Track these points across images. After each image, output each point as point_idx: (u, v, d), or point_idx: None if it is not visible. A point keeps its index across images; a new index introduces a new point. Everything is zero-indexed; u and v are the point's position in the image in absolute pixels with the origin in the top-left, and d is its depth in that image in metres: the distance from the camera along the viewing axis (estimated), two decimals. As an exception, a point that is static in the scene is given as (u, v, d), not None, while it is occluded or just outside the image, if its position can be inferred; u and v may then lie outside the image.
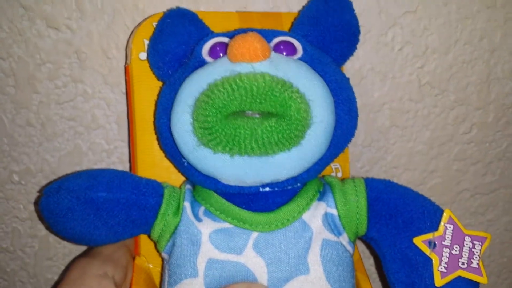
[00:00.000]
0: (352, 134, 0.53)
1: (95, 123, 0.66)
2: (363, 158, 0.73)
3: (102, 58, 0.63)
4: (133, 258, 0.57)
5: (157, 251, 0.55)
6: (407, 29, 0.68)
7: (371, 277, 0.70)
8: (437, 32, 0.68)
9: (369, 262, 0.76)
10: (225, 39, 0.52)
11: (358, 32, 0.56)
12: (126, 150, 0.68)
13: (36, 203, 0.68)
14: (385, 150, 0.73)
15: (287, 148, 0.45)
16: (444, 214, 0.50)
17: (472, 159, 0.76)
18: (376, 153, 0.73)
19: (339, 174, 0.62)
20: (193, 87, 0.47)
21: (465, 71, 0.71)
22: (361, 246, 0.73)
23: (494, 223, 0.81)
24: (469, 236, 0.49)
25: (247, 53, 0.46)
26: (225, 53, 0.51)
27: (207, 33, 0.55)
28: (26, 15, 0.61)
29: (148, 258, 0.58)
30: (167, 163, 0.57)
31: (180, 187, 0.55)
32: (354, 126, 0.52)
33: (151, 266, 0.58)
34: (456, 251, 0.49)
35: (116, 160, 0.68)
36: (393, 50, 0.69)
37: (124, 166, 0.68)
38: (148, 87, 0.57)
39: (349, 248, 0.52)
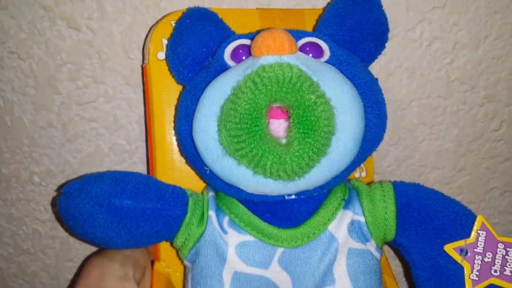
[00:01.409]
0: (381, 138, 0.52)
1: (117, 123, 0.66)
2: (390, 157, 0.72)
3: (123, 59, 0.63)
4: (151, 260, 0.57)
5: (179, 258, 0.54)
6: (436, 24, 0.67)
7: (397, 278, 0.69)
8: (466, 27, 0.67)
9: (394, 263, 0.75)
10: (248, 41, 0.51)
11: (387, 30, 0.54)
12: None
13: (54, 205, 0.67)
14: (413, 148, 0.72)
15: (317, 163, 0.44)
16: (477, 220, 0.49)
17: (501, 157, 0.75)
18: (404, 151, 0.72)
19: (363, 174, 0.62)
20: (217, 93, 0.46)
21: (495, 67, 0.70)
22: (385, 246, 0.72)
23: (523, 222, 0.80)
24: (503, 242, 0.48)
25: (273, 44, 0.45)
26: (248, 55, 0.50)
27: (229, 34, 0.54)
28: (46, 16, 0.61)
29: (167, 262, 0.58)
30: (186, 165, 0.57)
31: (202, 193, 0.55)
32: (383, 129, 0.51)
33: (170, 270, 0.58)
34: (488, 258, 0.48)
35: (137, 160, 0.68)
36: (421, 46, 0.68)
37: (145, 167, 0.68)
38: (167, 88, 0.56)
39: (377, 254, 0.51)
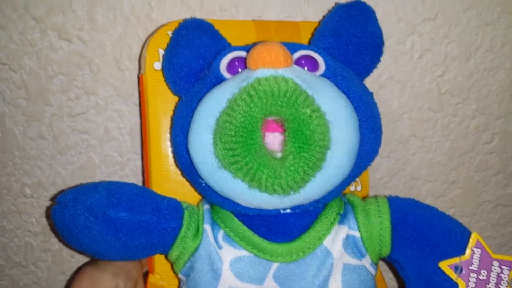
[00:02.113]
0: (376, 152, 0.52)
1: (108, 135, 0.66)
2: (382, 169, 0.73)
3: (115, 70, 0.64)
4: (144, 272, 0.57)
5: (174, 271, 0.54)
6: (426, 36, 0.67)
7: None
8: (457, 39, 0.68)
9: (388, 276, 0.75)
10: (243, 53, 0.51)
11: (382, 43, 0.55)
12: (139, 163, 0.68)
13: (49, 213, 0.67)
14: (405, 161, 0.72)
15: (312, 177, 0.44)
16: (472, 237, 0.49)
17: (493, 170, 0.75)
18: (396, 164, 0.72)
19: (358, 188, 0.61)
20: (212, 105, 0.46)
21: (486, 79, 0.70)
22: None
23: (517, 235, 0.80)
24: (497, 260, 0.48)
25: (268, 57, 0.45)
26: (244, 67, 0.50)
27: (225, 46, 0.53)
28: (37, 27, 0.61)
29: (162, 275, 0.57)
30: (182, 176, 0.56)
31: (197, 206, 0.55)
32: (378, 143, 0.51)
33: (164, 283, 0.57)
34: (483, 276, 0.48)
35: (129, 172, 0.68)
36: (412, 59, 0.68)
37: (137, 179, 0.68)
38: (163, 98, 0.56)
39: (372, 269, 0.51)
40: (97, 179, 0.68)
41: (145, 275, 0.57)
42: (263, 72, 0.45)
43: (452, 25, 0.67)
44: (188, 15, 0.57)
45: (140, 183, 0.67)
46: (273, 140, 0.46)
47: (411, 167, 0.73)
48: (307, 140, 0.43)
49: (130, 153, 0.67)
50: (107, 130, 0.66)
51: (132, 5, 0.62)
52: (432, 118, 0.71)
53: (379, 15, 0.57)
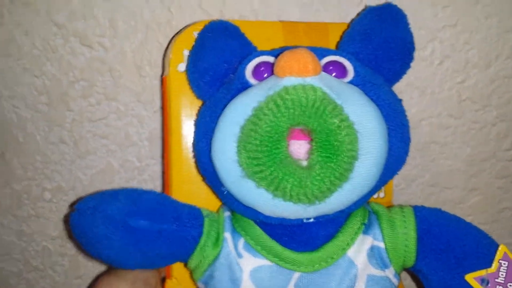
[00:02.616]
0: (404, 161, 0.51)
1: (128, 140, 0.67)
2: (400, 176, 0.72)
3: (135, 76, 0.64)
4: (162, 279, 0.57)
5: (192, 279, 0.54)
6: (447, 43, 0.67)
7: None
8: (478, 46, 0.68)
9: (405, 283, 0.75)
10: (270, 58, 0.50)
11: (413, 49, 0.53)
12: (157, 168, 0.68)
13: (67, 218, 0.68)
14: (423, 168, 0.72)
15: (339, 188, 0.43)
16: (499, 249, 0.48)
17: (514, 177, 0.75)
18: (413, 170, 0.72)
19: (381, 195, 0.61)
20: (237, 113, 0.45)
21: (507, 86, 0.70)
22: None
23: (536, 243, 0.79)
24: None
25: (296, 66, 0.44)
26: (270, 73, 0.49)
27: (251, 50, 0.53)
28: (59, 33, 0.62)
29: (179, 279, 0.57)
30: (203, 182, 0.55)
31: (218, 212, 0.54)
32: (406, 152, 0.50)
33: None
34: (510, 289, 0.48)
35: (147, 178, 0.68)
36: (432, 65, 0.68)
37: (154, 184, 0.69)
38: (186, 101, 0.55)
39: (395, 281, 0.50)
40: (115, 184, 0.68)
41: (163, 281, 0.57)
42: (290, 81, 0.44)
43: (472, 32, 0.67)
44: (208, 19, 0.57)
45: (158, 189, 0.68)
46: (299, 148, 0.45)
47: (429, 174, 0.73)
48: (335, 150, 0.42)
49: (149, 159, 0.68)
50: (127, 135, 0.66)
51: (153, 11, 0.62)
52: (452, 125, 0.71)
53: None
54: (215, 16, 0.63)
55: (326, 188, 0.43)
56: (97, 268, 0.72)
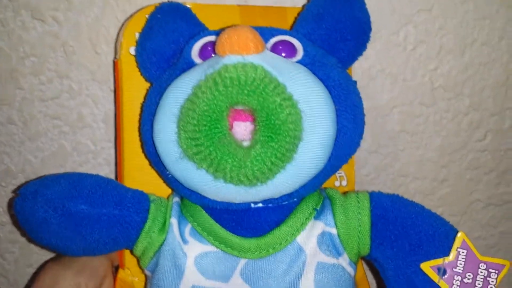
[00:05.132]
0: (357, 144, 0.50)
1: (81, 122, 0.65)
2: (369, 165, 0.72)
3: (90, 53, 0.62)
4: (115, 268, 0.56)
5: (139, 267, 0.53)
6: (421, 28, 0.66)
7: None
8: (453, 32, 0.67)
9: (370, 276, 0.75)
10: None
11: (369, 29, 0.53)
12: (113, 151, 0.67)
13: (11, 203, 0.66)
14: (393, 157, 0.72)
15: (281, 168, 0.43)
16: (458, 237, 0.47)
17: (485, 168, 0.75)
18: (384, 159, 0.72)
19: (344, 183, 0.61)
20: (178, 92, 0.45)
21: (481, 74, 0.69)
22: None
23: (507, 236, 0.80)
24: (485, 263, 0.47)
25: (236, 43, 0.43)
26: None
27: (200, 30, 0.52)
28: (10, 5, 0.60)
29: (133, 271, 0.56)
30: None
31: (168, 199, 0.54)
32: (359, 135, 0.50)
33: (136, 279, 0.56)
34: (468, 279, 0.47)
35: (102, 162, 0.67)
36: (405, 50, 0.67)
37: (111, 169, 0.67)
38: (139, 84, 0.55)
39: (350, 269, 0.50)
40: (68, 168, 0.67)
41: (116, 270, 0.57)
42: (231, 59, 0.43)
43: (448, 17, 0.66)
44: (170, -2, 0.55)
45: (114, 173, 0.67)
46: (244, 129, 0.44)
47: (399, 164, 0.72)
48: (276, 130, 0.42)
49: (104, 141, 0.66)
50: (81, 116, 0.64)
51: (111, -16, 0.60)
52: (423, 113, 0.70)
53: (371, 5, 0.56)
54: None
55: (267, 168, 0.42)
56: (49, 256, 0.70)
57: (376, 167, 0.72)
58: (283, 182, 0.45)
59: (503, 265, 0.47)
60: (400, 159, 0.72)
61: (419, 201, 0.52)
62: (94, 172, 0.64)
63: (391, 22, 0.65)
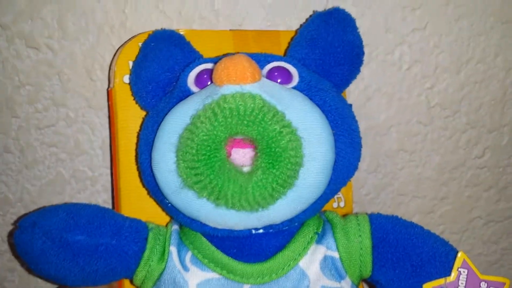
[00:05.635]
0: (355, 167, 0.50)
1: (78, 149, 0.65)
2: (368, 184, 0.72)
3: (85, 80, 0.62)
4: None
5: None
6: (416, 47, 0.67)
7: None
8: (448, 50, 0.67)
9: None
10: (213, 66, 0.50)
11: (362, 53, 0.54)
12: (111, 178, 0.66)
13: (11, 235, 0.66)
14: (392, 176, 0.72)
15: (282, 195, 0.43)
16: (458, 257, 0.48)
17: (485, 185, 0.75)
18: (383, 179, 0.72)
19: (341, 204, 0.61)
20: (176, 122, 0.45)
21: (477, 92, 0.70)
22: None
23: (508, 252, 0.80)
24: (485, 281, 0.47)
25: (234, 73, 0.44)
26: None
27: (195, 58, 0.53)
28: (3, 34, 0.60)
29: (132, 297, 0.56)
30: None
31: (166, 226, 0.54)
32: (357, 158, 0.50)
33: None
34: (470, 298, 0.47)
35: (100, 188, 0.66)
36: (400, 70, 0.67)
37: (108, 195, 0.67)
38: (134, 113, 0.55)
39: None
40: (66, 195, 0.66)
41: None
42: (228, 89, 0.44)
43: (443, 35, 0.67)
44: (165, 24, 0.56)
45: (109, 208, 0.66)
46: (242, 156, 0.45)
47: (398, 183, 0.72)
48: (277, 157, 0.42)
49: (102, 168, 0.66)
50: (78, 143, 0.64)
51: (105, 12, 0.60)
52: (421, 132, 0.70)
53: (366, 25, 0.57)
54: (173, 17, 0.61)
55: (268, 194, 0.42)
56: (49, 284, 0.70)
57: (376, 187, 0.72)
58: (284, 208, 0.45)
59: (503, 283, 0.47)
60: (399, 178, 0.72)
61: (419, 219, 0.52)
62: (92, 198, 0.65)
63: (386, 42, 0.65)
